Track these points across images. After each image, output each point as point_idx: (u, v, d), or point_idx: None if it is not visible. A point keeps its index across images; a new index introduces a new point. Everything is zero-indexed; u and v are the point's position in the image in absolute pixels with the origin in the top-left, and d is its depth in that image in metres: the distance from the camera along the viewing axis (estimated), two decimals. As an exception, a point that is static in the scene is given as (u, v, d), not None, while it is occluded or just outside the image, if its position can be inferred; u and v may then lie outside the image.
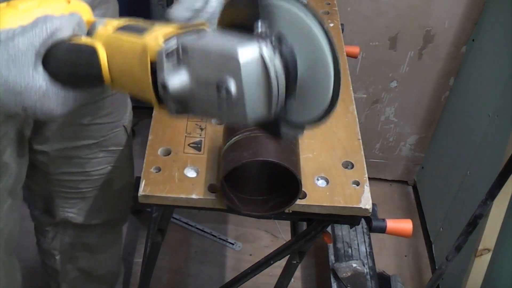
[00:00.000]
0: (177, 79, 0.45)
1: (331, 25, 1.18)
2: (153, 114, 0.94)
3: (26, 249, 1.29)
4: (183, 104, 0.46)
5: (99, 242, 1.22)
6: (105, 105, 0.98)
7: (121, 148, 1.08)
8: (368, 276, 1.54)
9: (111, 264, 1.33)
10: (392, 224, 0.88)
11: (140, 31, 0.49)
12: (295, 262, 1.10)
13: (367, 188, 0.84)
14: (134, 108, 1.15)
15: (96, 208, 1.12)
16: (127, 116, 1.08)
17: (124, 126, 1.05)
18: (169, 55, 0.45)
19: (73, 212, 1.10)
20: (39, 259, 1.28)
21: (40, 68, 0.49)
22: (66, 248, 1.20)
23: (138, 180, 0.84)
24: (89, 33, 0.53)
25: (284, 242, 1.23)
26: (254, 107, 0.42)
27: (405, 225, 0.89)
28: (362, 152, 0.90)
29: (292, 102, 0.45)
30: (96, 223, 1.15)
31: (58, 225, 1.15)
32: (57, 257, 1.21)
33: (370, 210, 0.82)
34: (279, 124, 0.46)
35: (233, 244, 1.80)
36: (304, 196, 0.82)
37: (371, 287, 1.52)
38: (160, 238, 1.06)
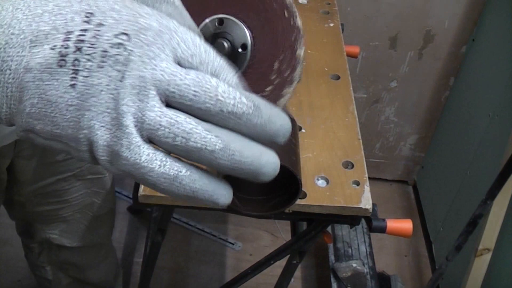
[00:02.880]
0: None
1: (331, 25, 1.18)
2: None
3: (20, 261, 1.28)
4: None
5: (86, 262, 1.20)
6: None
7: (100, 176, 1.04)
8: (368, 276, 1.54)
9: (105, 275, 1.30)
10: (392, 224, 0.88)
11: None
12: (295, 262, 1.10)
13: (367, 188, 0.84)
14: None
15: (78, 231, 1.09)
16: None
17: None
18: None
19: (55, 234, 1.07)
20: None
21: None
22: (55, 262, 1.18)
23: (138, 180, 0.84)
24: None
25: (284, 242, 1.23)
26: None
27: (405, 225, 0.89)
28: (362, 152, 0.90)
29: None
30: (78, 246, 1.12)
31: (43, 244, 1.13)
32: (47, 268, 1.19)
33: (370, 210, 0.82)
34: None
35: (233, 244, 1.80)
36: (304, 196, 0.82)
37: (371, 287, 1.52)
38: (160, 238, 1.06)
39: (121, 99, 0.31)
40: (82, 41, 0.31)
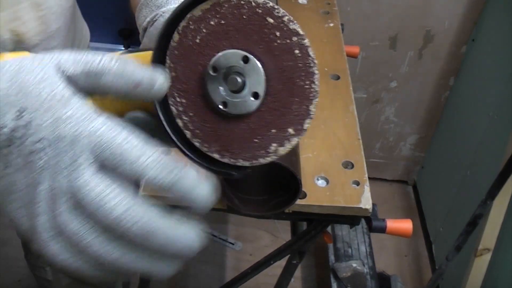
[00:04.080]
0: None
1: (331, 25, 1.18)
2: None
3: (20, 261, 1.28)
4: None
5: None
6: None
7: None
8: (368, 276, 1.54)
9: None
10: (392, 224, 0.88)
11: None
12: (295, 262, 1.10)
13: (367, 188, 0.84)
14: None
15: None
16: None
17: None
18: None
19: None
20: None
21: None
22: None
23: (138, 180, 0.84)
24: None
25: (284, 242, 1.23)
26: None
27: (405, 225, 0.89)
28: (362, 152, 0.90)
29: None
30: None
31: None
32: (47, 269, 1.18)
33: (370, 210, 0.82)
34: None
35: (233, 244, 1.80)
36: (304, 196, 0.82)
37: (371, 287, 1.52)
38: (160, 238, 1.06)
39: (34, 203, 0.34)
40: (11, 139, 0.34)
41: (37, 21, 0.66)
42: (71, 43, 0.77)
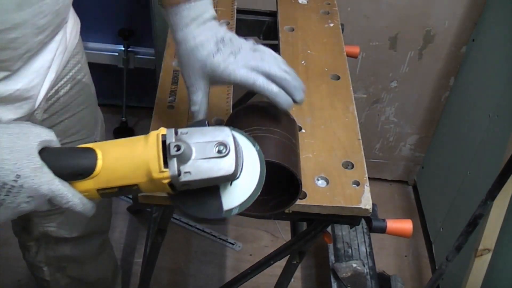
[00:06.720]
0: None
1: (331, 25, 1.18)
2: (153, 114, 0.94)
3: (19, 261, 1.29)
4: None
5: (84, 254, 1.20)
6: (72, 123, 0.96)
7: None
8: (368, 276, 1.54)
9: (103, 271, 1.30)
10: (392, 224, 0.88)
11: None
12: (295, 262, 1.10)
13: (367, 188, 0.84)
14: (133, 108, 1.09)
15: (76, 221, 1.10)
16: (99, 129, 1.06)
17: (96, 141, 1.03)
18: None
19: (53, 226, 1.08)
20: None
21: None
22: (52, 261, 1.18)
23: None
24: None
25: (284, 242, 1.23)
26: None
27: (405, 225, 0.89)
28: (362, 152, 0.90)
29: None
30: (77, 236, 1.13)
31: (40, 240, 1.13)
32: (45, 269, 1.19)
33: (370, 210, 0.82)
34: None
35: (233, 244, 1.80)
36: (304, 196, 0.82)
37: (371, 287, 1.52)
38: (160, 238, 1.06)
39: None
40: (7, 195, 0.57)
41: (53, 14, 0.74)
42: (76, 31, 0.92)
